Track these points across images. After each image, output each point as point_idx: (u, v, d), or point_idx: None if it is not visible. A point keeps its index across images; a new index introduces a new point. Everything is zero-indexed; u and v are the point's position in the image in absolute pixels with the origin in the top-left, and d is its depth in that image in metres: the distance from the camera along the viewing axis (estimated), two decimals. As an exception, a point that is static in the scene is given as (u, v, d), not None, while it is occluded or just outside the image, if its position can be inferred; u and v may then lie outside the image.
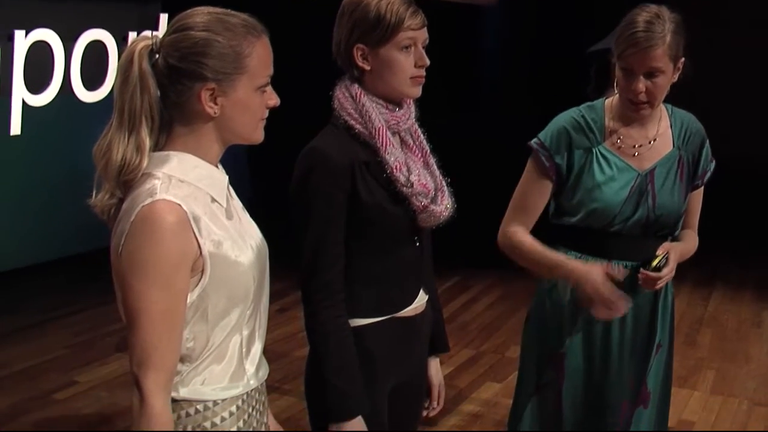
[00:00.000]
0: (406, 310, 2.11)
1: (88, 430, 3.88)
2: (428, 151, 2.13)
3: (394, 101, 2.04)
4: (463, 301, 5.77)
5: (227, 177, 1.69)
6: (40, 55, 3.97)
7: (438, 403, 2.30)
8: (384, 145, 2.00)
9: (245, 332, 1.68)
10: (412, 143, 2.10)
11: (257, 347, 1.72)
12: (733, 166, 8.83)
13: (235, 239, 1.63)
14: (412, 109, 2.10)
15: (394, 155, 2.00)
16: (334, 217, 1.96)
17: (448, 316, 5.00)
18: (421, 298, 2.16)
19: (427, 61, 2.02)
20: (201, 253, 1.56)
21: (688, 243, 2.47)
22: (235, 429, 1.65)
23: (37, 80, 3.99)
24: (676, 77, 2.29)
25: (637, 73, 2.23)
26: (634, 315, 2.39)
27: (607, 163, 2.35)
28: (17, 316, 5.04)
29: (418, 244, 2.12)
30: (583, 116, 2.39)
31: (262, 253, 1.72)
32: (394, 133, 2.04)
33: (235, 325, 1.65)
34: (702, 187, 2.49)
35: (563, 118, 2.40)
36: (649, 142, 2.37)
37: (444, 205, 2.07)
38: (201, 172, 1.61)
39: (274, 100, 1.66)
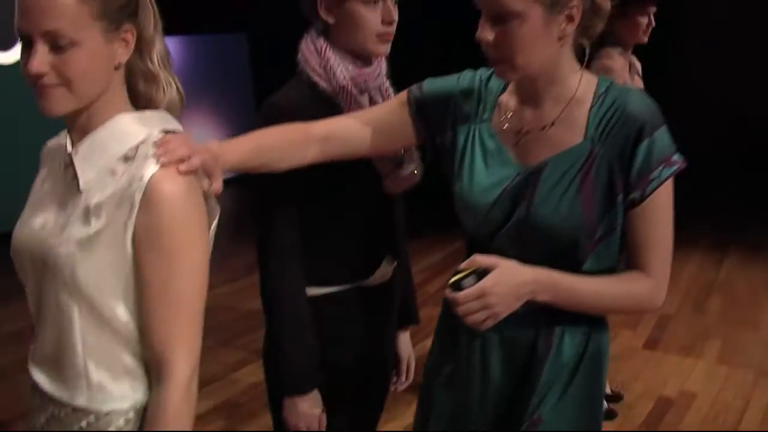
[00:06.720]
0: (367, 280, 1.99)
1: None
2: None
3: (362, 57, 1.90)
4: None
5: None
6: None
7: (406, 378, 2.19)
8: (348, 103, 1.86)
9: None
10: (381, 102, 1.94)
11: None
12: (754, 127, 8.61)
13: None
14: (383, 65, 1.95)
15: None
16: (288, 178, 1.76)
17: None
18: (385, 268, 2.03)
19: (395, 18, 1.86)
20: None
21: (608, 285, 1.60)
22: None
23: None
24: (565, 27, 1.55)
25: (483, 14, 1.56)
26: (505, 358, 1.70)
27: (483, 151, 1.69)
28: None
29: (383, 209, 1.99)
30: (484, 78, 1.76)
31: None
32: (362, 91, 1.89)
33: None
34: (654, 205, 1.57)
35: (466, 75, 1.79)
36: (542, 128, 1.63)
37: (411, 170, 1.92)
38: None
39: None
